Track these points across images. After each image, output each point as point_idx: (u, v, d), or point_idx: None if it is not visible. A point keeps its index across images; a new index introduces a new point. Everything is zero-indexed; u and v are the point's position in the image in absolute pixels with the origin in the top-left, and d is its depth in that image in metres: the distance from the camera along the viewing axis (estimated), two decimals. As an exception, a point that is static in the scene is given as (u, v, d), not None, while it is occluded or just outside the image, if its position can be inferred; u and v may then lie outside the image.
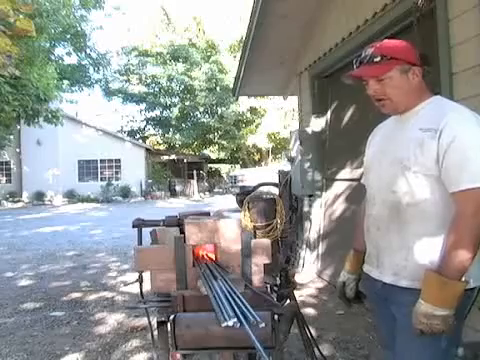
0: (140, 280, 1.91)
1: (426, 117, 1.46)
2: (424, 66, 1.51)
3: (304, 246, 5.41)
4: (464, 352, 2.26)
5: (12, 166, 23.91)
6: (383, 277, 1.54)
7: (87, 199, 22.72)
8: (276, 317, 1.61)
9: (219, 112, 27.41)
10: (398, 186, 1.47)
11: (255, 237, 1.96)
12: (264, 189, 5.94)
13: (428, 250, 1.42)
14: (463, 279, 1.34)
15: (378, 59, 1.48)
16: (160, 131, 30.83)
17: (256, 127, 27.57)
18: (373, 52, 1.50)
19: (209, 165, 34.08)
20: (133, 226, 2.07)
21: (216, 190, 30.31)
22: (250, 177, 17.58)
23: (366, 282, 1.69)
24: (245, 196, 4.75)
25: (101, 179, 24.42)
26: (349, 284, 1.75)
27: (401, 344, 1.51)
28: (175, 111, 27.51)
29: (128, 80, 28.87)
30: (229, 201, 16.70)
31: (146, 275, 1.84)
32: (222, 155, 30.75)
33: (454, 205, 1.37)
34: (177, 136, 28.35)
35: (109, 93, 29.16)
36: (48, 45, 19.69)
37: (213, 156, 31.74)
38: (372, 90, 1.52)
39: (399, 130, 1.54)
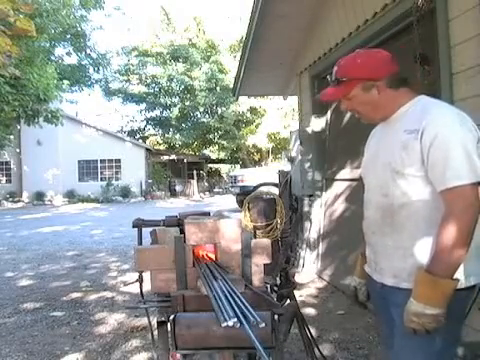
0: (140, 280, 1.91)
1: (410, 118, 1.47)
2: (393, 76, 1.50)
3: (304, 246, 5.41)
4: (464, 352, 2.27)
5: (12, 166, 23.91)
6: (383, 279, 1.55)
7: (87, 199, 22.72)
8: (276, 317, 1.61)
9: (219, 112, 27.42)
10: (389, 189, 1.48)
11: (255, 237, 1.97)
12: (264, 189, 5.93)
13: (424, 250, 1.42)
14: (454, 277, 1.34)
15: (340, 80, 1.52)
16: (160, 131, 30.84)
17: (256, 127, 27.58)
18: (335, 73, 1.55)
19: (209, 165, 34.08)
20: (133, 226, 2.07)
21: (216, 190, 30.31)
22: (250, 177, 17.56)
23: (368, 283, 1.70)
24: (245, 196, 4.74)
25: (101, 179, 24.41)
26: (360, 288, 1.77)
27: (397, 344, 1.51)
28: (175, 111, 27.51)
29: (128, 80, 28.87)
30: (229, 201, 16.71)
31: (146, 275, 1.84)
32: (222, 155, 30.75)
33: (443, 203, 1.37)
34: (177, 136, 28.36)
35: (109, 93, 29.17)
36: (48, 45, 19.69)
37: (213, 156, 31.74)
38: (344, 106, 1.59)
39: (388, 133, 1.56)
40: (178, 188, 26.57)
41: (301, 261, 5.41)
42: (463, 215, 1.31)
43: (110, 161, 24.58)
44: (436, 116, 1.40)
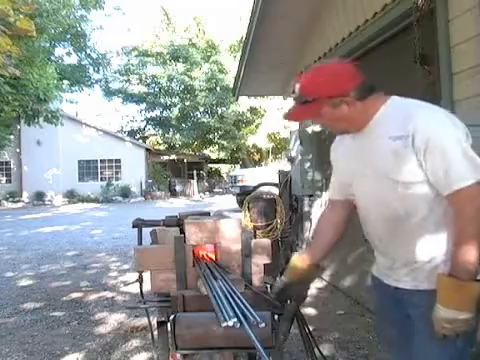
0: (140, 280, 1.91)
1: (392, 123, 1.41)
2: (360, 86, 1.42)
3: (304, 246, 5.41)
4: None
5: (12, 166, 23.91)
6: (400, 284, 1.52)
7: (87, 199, 22.72)
8: (276, 317, 1.61)
9: (219, 112, 27.43)
10: (391, 199, 1.45)
11: (255, 237, 1.97)
12: (264, 189, 5.94)
13: (437, 250, 1.41)
14: (478, 278, 1.32)
15: (305, 100, 1.43)
16: (160, 131, 30.86)
17: (256, 127, 27.57)
18: (299, 93, 1.45)
19: (209, 165, 34.08)
20: (133, 226, 2.07)
21: (216, 190, 30.32)
22: (250, 177, 17.54)
23: (375, 285, 1.67)
24: (245, 196, 4.75)
25: (101, 179, 24.42)
26: (274, 285, 1.73)
27: (418, 346, 1.49)
28: (175, 111, 27.53)
29: (128, 80, 28.88)
30: (229, 201, 16.71)
31: (146, 275, 1.84)
32: (222, 155, 30.76)
33: (451, 206, 1.36)
34: (177, 136, 28.38)
35: (109, 93, 29.20)
36: (48, 45, 19.71)
37: (213, 156, 31.74)
38: (318, 122, 1.54)
39: (366, 142, 1.49)
40: (178, 188, 26.58)
41: (301, 261, 5.39)
42: (474, 216, 1.30)
43: (110, 161, 24.59)
44: (423, 119, 1.36)
